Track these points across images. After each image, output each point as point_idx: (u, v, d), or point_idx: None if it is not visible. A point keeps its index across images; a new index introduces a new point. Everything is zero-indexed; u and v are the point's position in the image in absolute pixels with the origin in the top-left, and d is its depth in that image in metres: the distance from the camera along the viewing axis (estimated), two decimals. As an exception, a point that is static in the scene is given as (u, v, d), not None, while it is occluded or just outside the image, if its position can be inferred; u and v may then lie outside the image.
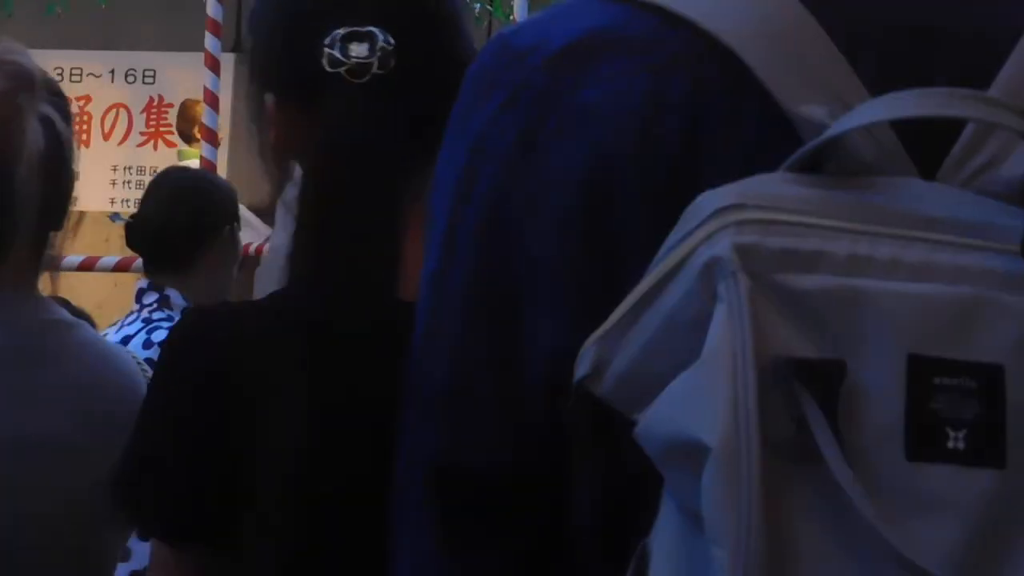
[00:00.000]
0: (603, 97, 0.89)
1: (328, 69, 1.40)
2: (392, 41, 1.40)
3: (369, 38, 1.41)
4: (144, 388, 1.85)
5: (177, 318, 3.33)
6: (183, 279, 3.38)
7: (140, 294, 3.39)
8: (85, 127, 10.23)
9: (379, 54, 1.40)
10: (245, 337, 1.43)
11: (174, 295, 3.35)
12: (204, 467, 1.41)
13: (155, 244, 3.40)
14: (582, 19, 0.92)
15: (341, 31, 1.41)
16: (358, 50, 1.40)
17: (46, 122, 1.75)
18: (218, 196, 3.55)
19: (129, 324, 3.33)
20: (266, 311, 1.45)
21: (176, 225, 3.34)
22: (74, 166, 1.84)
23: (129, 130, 9.98)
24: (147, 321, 3.31)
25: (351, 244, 1.39)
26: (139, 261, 6.74)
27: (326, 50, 1.41)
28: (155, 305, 3.34)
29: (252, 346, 1.42)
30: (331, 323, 1.38)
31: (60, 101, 1.81)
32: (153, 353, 3.10)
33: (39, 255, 1.82)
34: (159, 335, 3.26)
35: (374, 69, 1.39)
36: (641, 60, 0.89)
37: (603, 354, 0.82)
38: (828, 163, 0.81)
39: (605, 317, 0.83)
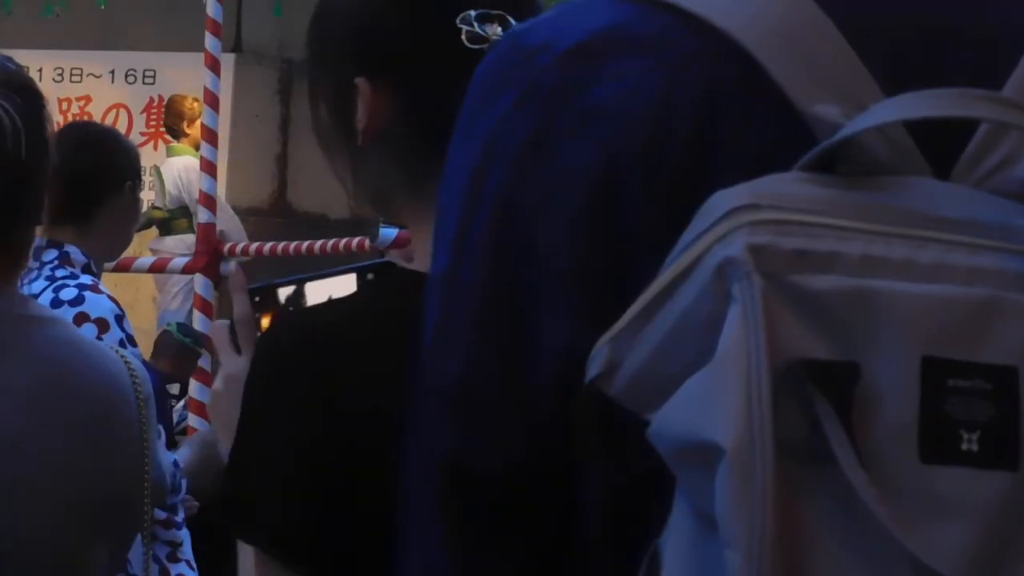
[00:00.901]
0: (614, 96, 0.88)
1: (469, 46, 1.39)
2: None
3: (501, 20, 1.41)
4: (129, 386, 1.83)
5: (80, 275, 3.32)
6: (82, 235, 3.35)
7: (38, 251, 3.36)
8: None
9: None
10: (353, 345, 1.41)
11: (74, 251, 3.33)
12: (323, 489, 1.39)
13: (53, 196, 3.36)
14: (594, 17, 0.92)
15: (473, 12, 1.41)
16: (492, 30, 1.40)
17: None
18: (118, 151, 3.53)
19: (31, 283, 3.30)
20: (371, 309, 1.44)
21: (74, 176, 3.30)
22: (45, 160, 1.81)
23: (129, 130, 9.99)
24: (51, 279, 3.27)
25: None
26: (139, 261, 6.75)
27: (464, 28, 1.40)
28: (56, 262, 3.31)
29: (361, 354, 1.40)
30: None
31: (19, 95, 1.78)
32: (62, 312, 3.07)
33: (11, 251, 1.80)
34: (68, 293, 3.22)
35: None
36: (653, 58, 0.88)
37: (615, 354, 0.82)
38: (842, 163, 0.81)
39: (616, 317, 0.83)
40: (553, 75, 0.91)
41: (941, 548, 0.76)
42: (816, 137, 0.83)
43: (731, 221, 0.78)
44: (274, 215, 10.13)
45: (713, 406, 0.76)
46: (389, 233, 2.10)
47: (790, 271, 0.77)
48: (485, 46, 1.40)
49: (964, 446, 0.77)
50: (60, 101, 9.78)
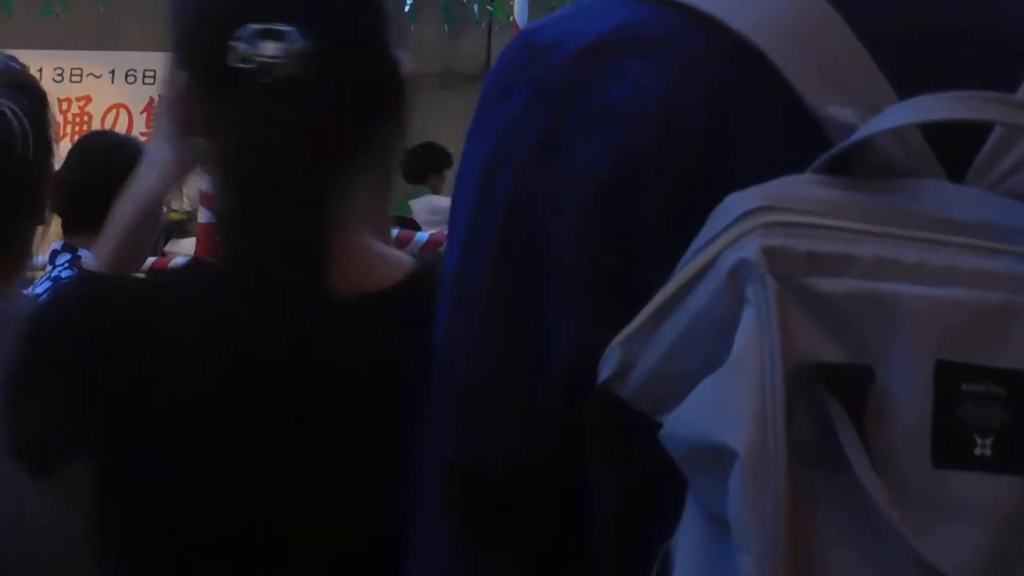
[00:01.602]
0: (626, 95, 0.88)
1: (234, 65, 1.38)
2: (306, 41, 1.38)
3: (282, 37, 1.39)
4: None
5: None
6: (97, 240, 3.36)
7: (54, 255, 3.37)
8: (85, 127, 10.23)
9: (290, 55, 1.38)
10: (140, 314, 1.41)
11: (86, 255, 3.34)
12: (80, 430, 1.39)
13: (69, 202, 3.37)
14: (606, 17, 0.91)
15: (255, 27, 1.38)
16: (269, 48, 1.39)
17: None
18: (135, 157, 3.53)
19: (40, 284, 3.31)
20: (168, 293, 1.43)
21: (89, 182, 3.29)
22: (50, 159, 1.81)
23: (129, 130, 9.97)
24: (55, 280, 3.29)
25: (272, 241, 1.36)
26: (139, 261, 6.70)
27: (235, 45, 1.39)
28: (66, 265, 3.32)
29: (148, 323, 1.40)
30: (245, 320, 1.36)
31: (25, 95, 1.78)
32: None
33: (12, 251, 1.80)
34: None
35: (283, 71, 1.38)
36: (665, 58, 0.88)
37: (628, 356, 0.82)
38: (856, 165, 0.81)
39: (626, 318, 0.82)
40: (563, 75, 0.90)
41: (952, 552, 0.76)
42: (828, 138, 0.82)
43: (745, 223, 0.78)
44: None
45: (726, 409, 0.75)
46: (421, 237, 2.08)
47: (804, 274, 0.77)
48: (253, 66, 1.39)
49: (977, 451, 0.76)
50: (60, 101, 9.77)
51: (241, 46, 1.38)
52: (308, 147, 1.36)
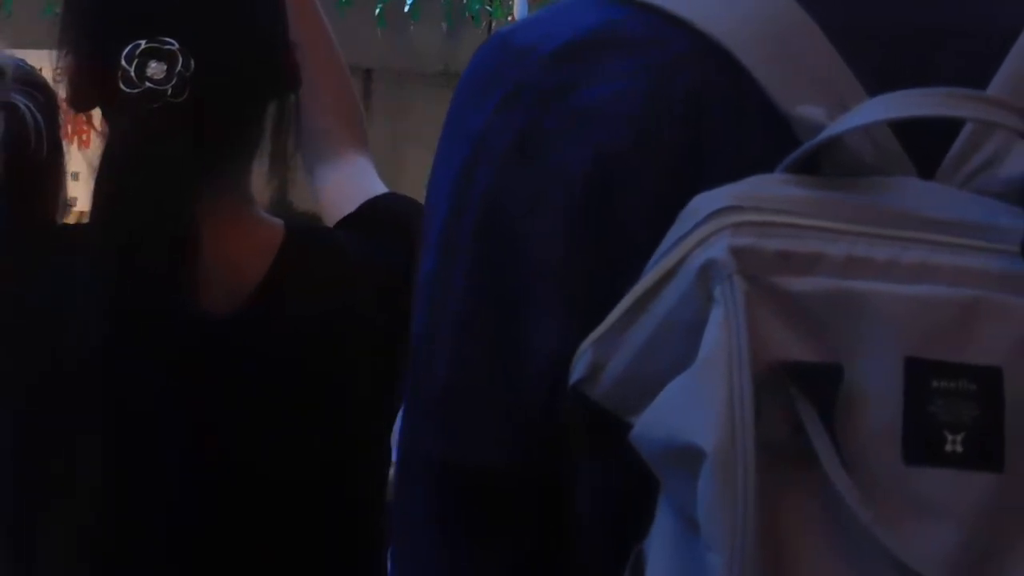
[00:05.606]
0: (604, 97, 0.88)
1: (123, 88, 1.41)
2: (191, 64, 1.40)
3: (169, 58, 1.40)
4: None
5: None
6: None
7: None
8: (84, 127, 10.24)
9: (175, 80, 1.40)
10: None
11: None
12: None
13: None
14: (582, 18, 0.91)
15: (143, 44, 1.41)
16: (156, 69, 1.40)
17: (8, 109, 1.75)
18: None
19: None
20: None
21: None
22: (61, 159, 1.83)
23: (129, 130, 9.97)
24: None
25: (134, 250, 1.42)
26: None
27: (124, 65, 1.41)
28: None
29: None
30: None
31: (37, 92, 1.80)
32: None
33: None
34: None
35: (168, 96, 1.40)
36: (642, 59, 0.88)
37: (599, 357, 0.82)
38: (826, 164, 0.81)
39: (604, 318, 0.82)
40: (541, 76, 0.90)
41: (925, 550, 0.76)
42: (800, 138, 0.82)
43: (713, 223, 0.78)
44: (274, 215, 10.11)
45: (695, 409, 0.76)
46: None
47: (773, 273, 0.77)
48: (135, 92, 1.40)
49: (948, 447, 0.76)
50: (60, 101, 9.76)
51: (130, 69, 1.40)
52: (179, 160, 1.42)
